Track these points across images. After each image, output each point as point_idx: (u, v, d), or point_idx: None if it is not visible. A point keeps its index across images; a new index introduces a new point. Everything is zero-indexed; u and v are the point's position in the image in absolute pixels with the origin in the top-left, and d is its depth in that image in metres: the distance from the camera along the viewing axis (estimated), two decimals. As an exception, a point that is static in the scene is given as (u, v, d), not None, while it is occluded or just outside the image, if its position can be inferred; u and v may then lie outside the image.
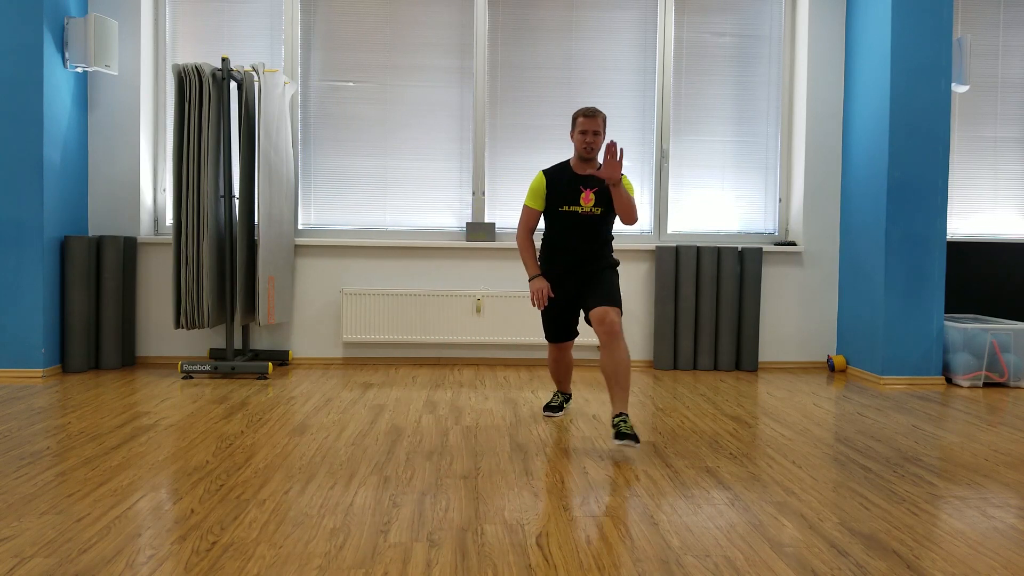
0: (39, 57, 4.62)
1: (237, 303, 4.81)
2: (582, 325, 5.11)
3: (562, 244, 3.58)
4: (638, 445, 3.17)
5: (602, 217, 3.55)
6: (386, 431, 3.59)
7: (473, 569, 2.15)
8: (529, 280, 3.60)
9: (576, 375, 5.05)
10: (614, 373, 3.30)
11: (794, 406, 4.25)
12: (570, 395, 4.00)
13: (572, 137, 3.53)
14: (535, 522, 2.50)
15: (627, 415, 3.26)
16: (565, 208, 3.53)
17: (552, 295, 3.59)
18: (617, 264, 3.63)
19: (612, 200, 3.46)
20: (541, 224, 5.23)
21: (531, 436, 3.55)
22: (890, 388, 4.80)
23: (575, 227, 3.55)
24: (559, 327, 3.71)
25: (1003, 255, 5.55)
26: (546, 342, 5.27)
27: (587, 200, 3.52)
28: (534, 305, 3.61)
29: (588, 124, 3.45)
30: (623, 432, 3.16)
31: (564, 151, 5.48)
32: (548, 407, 3.96)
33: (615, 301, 3.44)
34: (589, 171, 3.53)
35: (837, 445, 3.48)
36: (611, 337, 3.32)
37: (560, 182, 3.55)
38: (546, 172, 3.59)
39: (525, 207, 3.64)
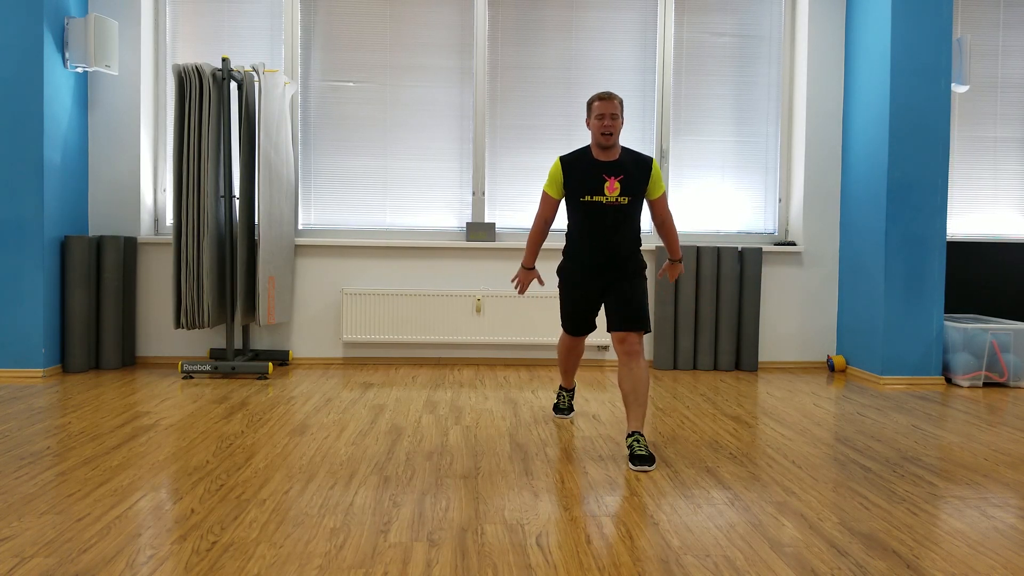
0: (39, 57, 4.62)
1: (237, 303, 4.81)
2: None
3: (588, 239, 3.34)
4: (653, 467, 3.06)
5: (630, 207, 3.30)
6: (386, 431, 3.59)
7: (473, 569, 2.15)
8: (521, 266, 3.57)
9: (577, 374, 5.04)
10: (632, 390, 3.19)
11: (794, 406, 4.25)
12: (574, 388, 3.95)
13: (588, 125, 3.30)
14: (535, 522, 2.50)
15: (642, 434, 3.17)
16: (588, 198, 3.28)
17: (524, 291, 3.58)
18: (644, 267, 3.41)
19: (640, 188, 3.31)
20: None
21: (531, 436, 3.55)
22: (890, 388, 4.80)
23: (600, 219, 3.30)
24: (579, 321, 3.54)
25: (1003, 255, 5.55)
26: (543, 340, 5.30)
27: (612, 189, 3.26)
28: (514, 286, 3.43)
29: (605, 107, 3.22)
30: (638, 454, 3.07)
31: (564, 151, 5.48)
32: (557, 409, 3.92)
33: (642, 323, 3.25)
34: (610, 158, 3.30)
35: (837, 445, 3.48)
36: (630, 357, 3.20)
37: (579, 169, 3.30)
38: (563, 158, 3.35)
39: (543, 194, 3.42)
